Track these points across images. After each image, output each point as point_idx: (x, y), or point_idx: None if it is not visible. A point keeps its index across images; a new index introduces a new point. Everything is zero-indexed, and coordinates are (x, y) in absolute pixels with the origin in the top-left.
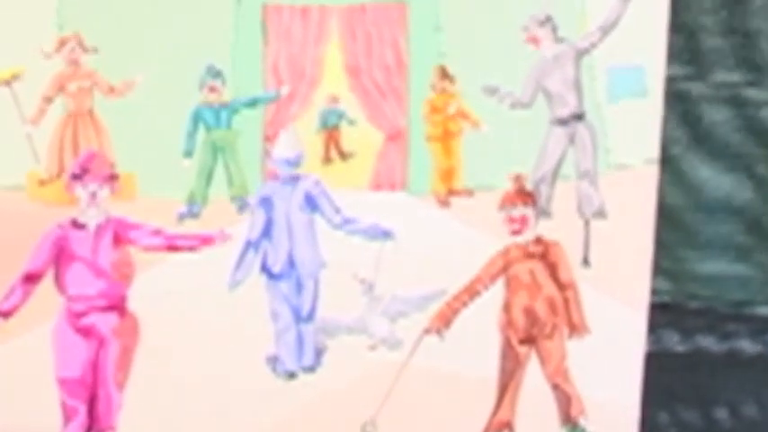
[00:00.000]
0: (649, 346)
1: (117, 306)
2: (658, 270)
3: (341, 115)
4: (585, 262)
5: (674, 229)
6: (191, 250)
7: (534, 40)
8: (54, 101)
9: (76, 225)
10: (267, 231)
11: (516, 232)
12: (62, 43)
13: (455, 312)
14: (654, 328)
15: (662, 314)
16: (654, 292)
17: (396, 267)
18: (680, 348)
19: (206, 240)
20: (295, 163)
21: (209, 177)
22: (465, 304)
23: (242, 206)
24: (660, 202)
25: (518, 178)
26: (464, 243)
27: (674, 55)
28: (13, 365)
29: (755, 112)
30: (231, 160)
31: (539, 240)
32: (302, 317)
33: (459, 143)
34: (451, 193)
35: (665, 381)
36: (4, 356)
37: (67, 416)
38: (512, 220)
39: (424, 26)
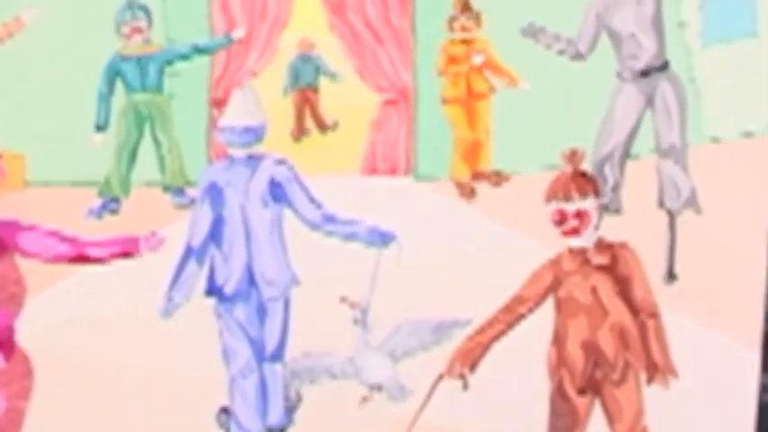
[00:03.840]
0: (765, 394)
1: (0, 342)
2: None
3: (319, 68)
4: (671, 275)
5: None
6: (106, 261)
7: None
8: None
9: None
10: (215, 234)
11: (571, 233)
12: None
13: (484, 348)
14: None
15: None
16: None
17: (399, 284)
18: None
19: (128, 247)
20: (254, 136)
21: (130, 158)
22: (498, 337)
23: (179, 199)
24: None
25: (573, 157)
26: (496, 249)
27: None
28: None
29: None
30: (163, 134)
31: (603, 245)
32: (266, 355)
33: (487, 107)
34: (477, 177)
35: None
36: None
37: None
38: (564, 216)
39: None
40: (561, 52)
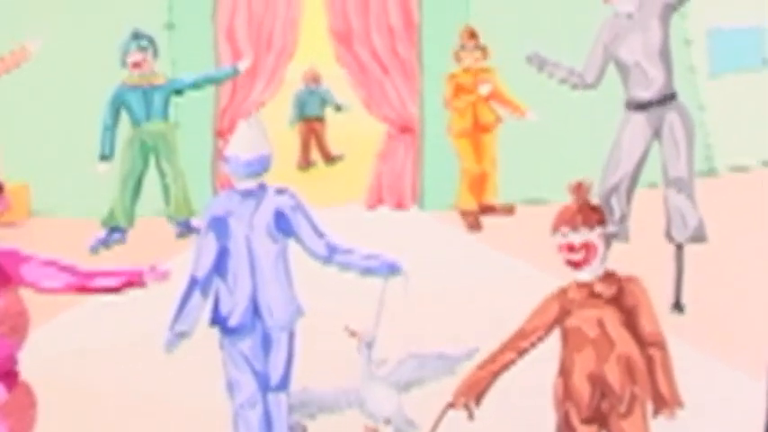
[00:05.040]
0: None
1: (2, 373)
2: None
3: (325, 99)
4: (677, 307)
5: None
6: (111, 293)
7: None
8: None
9: None
10: (220, 266)
11: (577, 264)
12: None
13: (491, 380)
14: None
15: None
16: None
17: (405, 315)
18: None
19: (132, 278)
20: (259, 167)
21: (135, 189)
22: (505, 368)
23: (184, 230)
24: None
25: (580, 188)
26: (502, 280)
27: None
28: None
29: None
30: (168, 164)
31: (610, 276)
32: (271, 386)
33: (494, 139)
34: (484, 209)
35: None
36: None
37: None
38: (571, 247)
39: None
40: (566, 82)
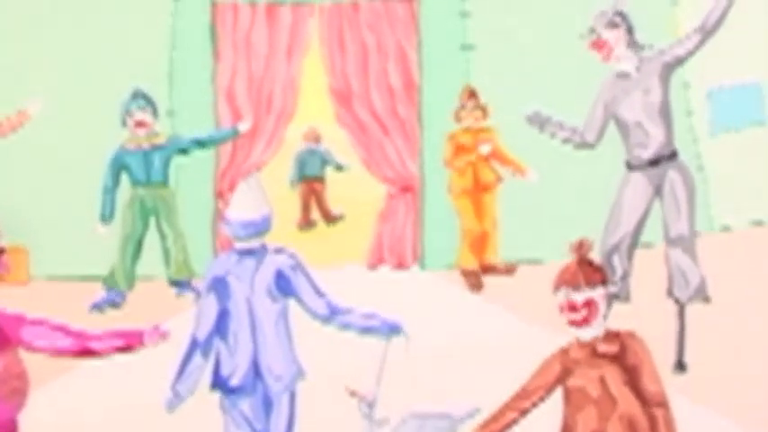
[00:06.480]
0: None
1: None
2: None
3: (325, 159)
4: (680, 366)
5: None
6: (110, 355)
7: (602, 47)
8: None
9: None
10: (221, 327)
11: (579, 324)
12: None
13: None
14: None
15: None
16: None
17: (407, 376)
18: None
19: (132, 340)
20: (260, 228)
21: (135, 251)
22: (507, 427)
23: (184, 291)
24: None
25: (581, 247)
26: (504, 340)
27: None
28: None
29: None
30: (168, 226)
31: (612, 335)
32: None
33: (494, 198)
34: (485, 269)
35: None
36: None
37: None
38: (573, 306)
39: (444, 29)
40: (567, 141)
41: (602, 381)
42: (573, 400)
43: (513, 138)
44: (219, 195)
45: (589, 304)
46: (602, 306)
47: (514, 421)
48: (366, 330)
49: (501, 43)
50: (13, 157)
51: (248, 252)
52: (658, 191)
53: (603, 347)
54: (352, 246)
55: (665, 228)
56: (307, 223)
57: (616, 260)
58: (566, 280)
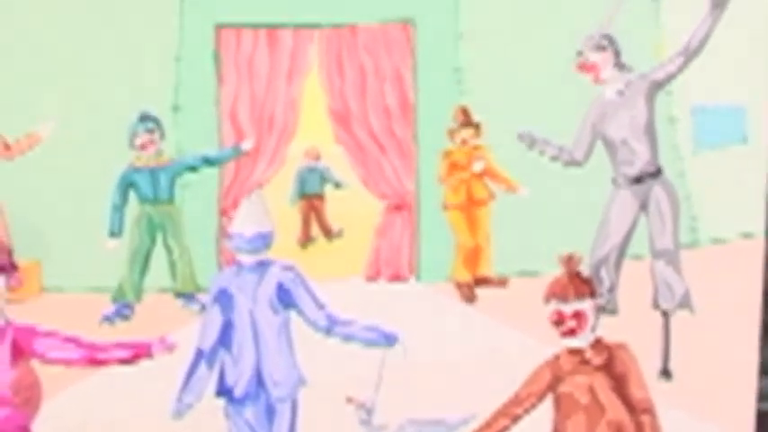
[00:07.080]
0: None
1: None
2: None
3: (325, 177)
4: (665, 373)
5: None
6: (120, 365)
7: (590, 69)
8: None
9: None
10: (225, 338)
11: (569, 333)
12: None
13: None
14: None
15: None
16: (762, 396)
17: (404, 384)
18: None
19: (140, 351)
20: (262, 243)
21: (143, 265)
22: None
23: (190, 304)
24: (766, 289)
25: (570, 260)
26: (496, 349)
27: None
28: None
29: None
30: (174, 242)
31: (600, 344)
32: None
33: (487, 213)
34: (478, 281)
35: None
36: None
37: None
38: (562, 317)
39: (438, 53)
40: (556, 159)
41: (591, 388)
42: (563, 407)
43: (505, 155)
44: (223, 213)
45: (578, 315)
46: (590, 317)
47: (506, 428)
48: (364, 341)
49: (493, 65)
50: (28, 177)
51: (251, 266)
52: (644, 206)
53: (592, 356)
54: (351, 260)
55: (651, 242)
56: (307, 238)
57: (604, 273)
58: (555, 292)
